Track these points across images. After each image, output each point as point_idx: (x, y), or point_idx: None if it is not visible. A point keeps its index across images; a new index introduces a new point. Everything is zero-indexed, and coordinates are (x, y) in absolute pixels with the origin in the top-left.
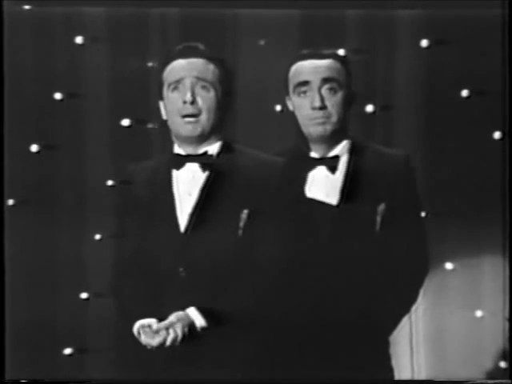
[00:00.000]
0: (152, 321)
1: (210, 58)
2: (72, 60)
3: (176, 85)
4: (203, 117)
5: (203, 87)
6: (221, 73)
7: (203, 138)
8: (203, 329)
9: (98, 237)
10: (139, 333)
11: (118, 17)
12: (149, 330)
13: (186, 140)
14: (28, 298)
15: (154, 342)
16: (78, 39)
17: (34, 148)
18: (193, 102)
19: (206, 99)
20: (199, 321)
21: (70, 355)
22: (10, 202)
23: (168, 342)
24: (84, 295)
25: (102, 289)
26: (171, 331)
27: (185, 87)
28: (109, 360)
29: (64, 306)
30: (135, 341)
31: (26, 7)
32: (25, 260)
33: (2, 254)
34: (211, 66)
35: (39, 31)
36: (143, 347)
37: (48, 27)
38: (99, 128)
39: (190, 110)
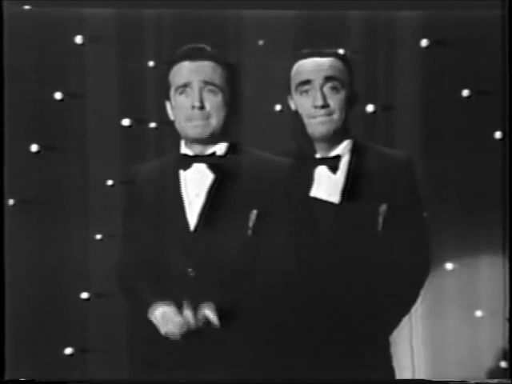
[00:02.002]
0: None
1: (217, 60)
2: (72, 60)
3: (184, 89)
4: (212, 120)
5: (211, 91)
6: (228, 75)
7: (213, 140)
8: (216, 328)
9: (98, 237)
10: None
11: (118, 17)
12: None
13: (195, 141)
14: (28, 298)
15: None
16: (78, 39)
17: (34, 148)
18: (201, 107)
19: (214, 103)
20: (214, 320)
21: (70, 355)
22: (11, 201)
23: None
24: (85, 295)
25: (102, 289)
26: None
27: (193, 92)
28: (109, 360)
29: (64, 306)
30: (136, 340)
31: (26, 7)
32: (25, 260)
33: (2, 254)
34: (219, 69)
35: (39, 31)
36: (144, 347)
37: (48, 27)
38: (99, 128)
39: (198, 115)
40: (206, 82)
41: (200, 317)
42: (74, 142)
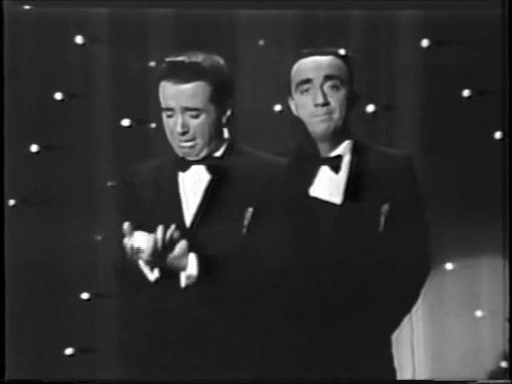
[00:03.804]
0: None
1: (205, 78)
2: (72, 60)
3: (170, 113)
4: (198, 141)
5: (192, 116)
6: (216, 93)
7: (200, 157)
8: (189, 277)
9: (99, 237)
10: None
11: (118, 17)
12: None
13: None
14: (28, 298)
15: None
16: (78, 39)
17: (34, 148)
18: (185, 132)
19: (198, 126)
20: (191, 268)
21: (70, 355)
22: (11, 202)
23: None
24: (85, 295)
25: (103, 289)
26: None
27: (176, 116)
28: (110, 360)
29: (64, 306)
30: (136, 340)
31: (26, 7)
32: (25, 260)
33: (2, 254)
34: (208, 89)
35: (39, 31)
36: (144, 346)
37: (48, 27)
38: (99, 128)
39: (183, 137)
40: (187, 108)
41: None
42: (74, 141)
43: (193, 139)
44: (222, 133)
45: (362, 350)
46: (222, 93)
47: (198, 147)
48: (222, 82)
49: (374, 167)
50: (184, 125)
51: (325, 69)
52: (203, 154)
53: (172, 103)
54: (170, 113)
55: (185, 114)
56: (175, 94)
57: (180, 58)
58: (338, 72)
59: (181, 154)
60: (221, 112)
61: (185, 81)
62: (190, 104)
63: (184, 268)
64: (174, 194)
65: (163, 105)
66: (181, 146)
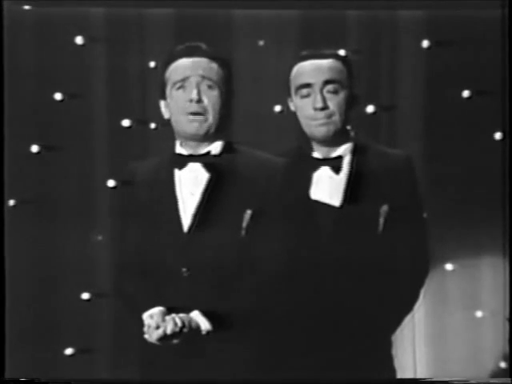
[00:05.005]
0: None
1: (213, 57)
2: (72, 60)
3: (181, 83)
4: (209, 115)
5: (209, 86)
6: (224, 72)
7: (208, 137)
8: (208, 332)
9: (99, 237)
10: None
11: (117, 17)
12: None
13: (190, 138)
14: (28, 298)
15: (154, 336)
16: (78, 39)
17: (34, 148)
18: (199, 101)
19: (211, 98)
20: (204, 324)
21: (71, 355)
22: (11, 202)
23: (168, 331)
24: (85, 295)
25: (103, 289)
26: (171, 322)
27: (191, 85)
28: (109, 360)
29: (65, 306)
30: (136, 340)
31: (26, 7)
32: (25, 260)
33: (2, 254)
34: (215, 66)
35: (39, 31)
36: (144, 347)
37: (48, 27)
38: (99, 128)
39: (195, 108)
40: (204, 77)
41: (187, 322)
42: (74, 142)
43: (204, 112)
44: (224, 126)
45: (362, 351)
46: (229, 83)
47: (208, 122)
48: (229, 77)
49: (373, 168)
50: (199, 93)
51: (324, 73)
52: (210, 134)
53: (188, 72)
54: (182, 83)
55: (201, 84)
56: (193, 64)
57: (194, 43)
58: (338, 75)
59: (188, 131)
60: (228, 102)
61: (202, 55)
62: (207, 74)
63: (197, 326)
64: (171, 195)
65: (174, 80)
66: (191, 120)
